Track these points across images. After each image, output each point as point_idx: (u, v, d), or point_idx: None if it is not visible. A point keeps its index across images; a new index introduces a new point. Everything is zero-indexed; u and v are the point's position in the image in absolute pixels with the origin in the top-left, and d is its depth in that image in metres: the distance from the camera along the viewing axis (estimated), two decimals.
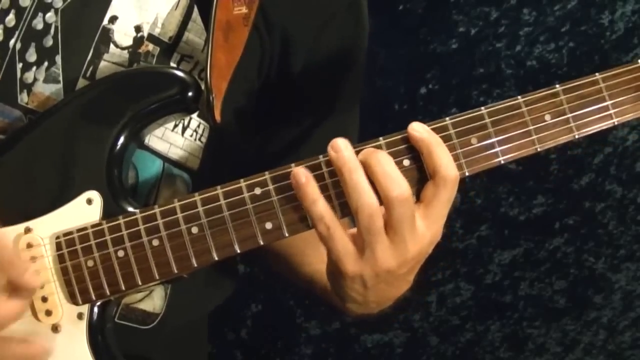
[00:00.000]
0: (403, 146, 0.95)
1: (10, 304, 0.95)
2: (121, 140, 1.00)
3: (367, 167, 0.92)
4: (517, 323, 2.18)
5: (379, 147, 0.95)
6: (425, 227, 0.94)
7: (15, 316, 0.95)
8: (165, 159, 1.09)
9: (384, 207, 0.92)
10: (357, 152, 0.93)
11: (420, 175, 0.95)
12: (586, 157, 2.03)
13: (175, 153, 1.10)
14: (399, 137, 0.95)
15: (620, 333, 2.22)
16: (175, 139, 1.09)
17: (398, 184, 0.91)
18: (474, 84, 1.96)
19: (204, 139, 1.11)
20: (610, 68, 0.99)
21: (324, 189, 0.94)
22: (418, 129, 0.94)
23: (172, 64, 1.08)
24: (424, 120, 2.16)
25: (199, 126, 1.11)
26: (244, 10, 1.06)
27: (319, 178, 0.94)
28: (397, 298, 1.04)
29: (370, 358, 2.17)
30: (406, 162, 0.95)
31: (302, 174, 0.93)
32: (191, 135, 1.10)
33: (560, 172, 2.04)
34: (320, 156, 0.95)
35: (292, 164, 0.95)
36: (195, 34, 1.09)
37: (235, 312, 2.10)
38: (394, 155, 0.94)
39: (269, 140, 1.20)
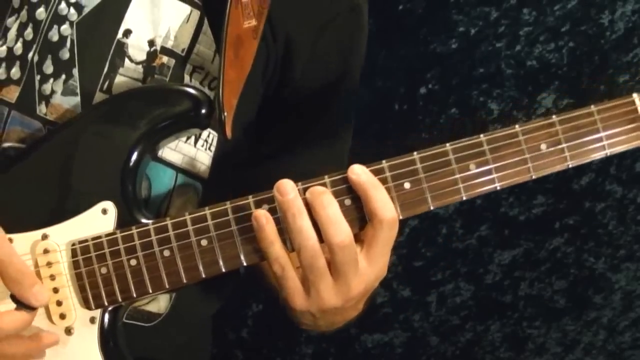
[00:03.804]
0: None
1: (16, 315, 0.97)
2: (136, 153, 1.04)
3: (312, 208, 0.96)
4: (517, 323, 2.18)
5: (323, 185, 0.98)
6: (368, 267, 0.98)
7: (21, 326, 0.98)
8: (178, 169, 1.12)
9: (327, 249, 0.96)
10: (305, 190, 0.97)
11: (362, 214, 0.98)
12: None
13: (188, 163, 1.13)
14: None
15: (620, 333, 2.22)
16: (188, 150, 1.12)
17: (340, 231, 0.95)
18: (474, 84, 1.96)
19: (213, 148, 1.14)
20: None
21: (276, 222, 0.98)
22: (357, 172, 0.97)
23: (186, 76, 1.11)
24: (423, 121, 2.17)
25: (208, 136, 1.14)
26: (254, 23, 1.08)
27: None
28: (349, 321, 1.09)
29: (370, 358, 2.17)
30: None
31: (263, 216, 0.97)
32: (202, 145, 1.13)
33: (560, 172, 2.04)
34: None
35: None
36: (205, 46, 1.12)
37: (236, 311, 2.11)
38: (337, 194, 0.98)
39: (267, 142, 1.22)
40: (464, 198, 0.99)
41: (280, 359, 2.17)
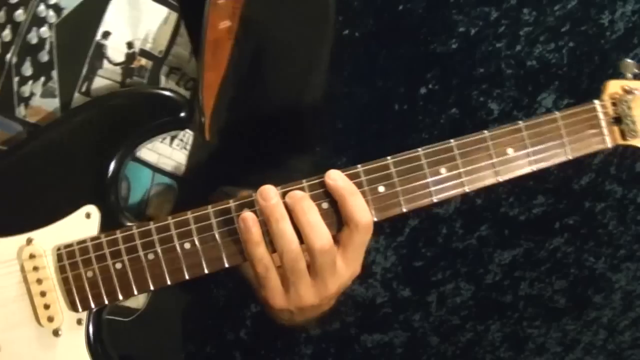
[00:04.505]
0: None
1: None
2: (117, 157, 1.06)
3: (293, 213, 1.00)
4: (517, 323, 2.18)
5: (302, 189, 1.01)
6: (345, 267, 1.03)
7: None
8: (155, 169, 1.14)
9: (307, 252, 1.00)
10: (284, 194, 1.01)
11: (339, 217, 1.02)
12: (586, 157, 2.03)
13: (164, 163, 1.14)
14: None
15: (620, 333, 2.22)
16: (164, 149, 1.14)
17: (321, 236, 0.99)
18: (474, 84, 1.96)
19: (188, 147, 1.16)
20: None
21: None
22: (333, 177, 1.01)
23: (162, 77, 1.12)
24: (423, 121, 2.17)
25: (184, 135, 1.15)
26: (228, 23, 1.11)
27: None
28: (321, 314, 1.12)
29: (370, 358, 2.17)
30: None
31: (250, 218, 1.00)
32: (178, 145, 1.15)
33: (560, 172, 2.04)
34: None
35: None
36: (182, 48, 1.13)
37: (234, 312, 2.10)
38: (315, 197, 1.01)
39: (240, 133, 1.24)
40: (435, 201, 1.03)
41: (279, 359, 2.17)
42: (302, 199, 1.00)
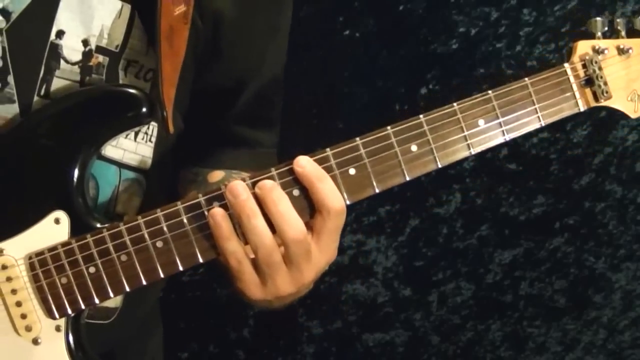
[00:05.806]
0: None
1: None
2: (81, 159, 1.04)
3: (264, 205, 0.98)
4: (518, 322, 2.19)
5: (271, 178, 0.99)
6: (320, 254, 1.01)
7: None
8: (120, 165, 1.13)
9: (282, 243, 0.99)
10: (254, 184, 0.99)
11: (311, 203, 1.00)
12: (586, 157, 2.03)
13: (129, 158, 1.13)
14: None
15: (620, 332, 2.22)
16: (128, 145, 1.13)
17: (294, 227, 0.97)
18: (474, 84, 1.96)
19: (153, 139, 1.15)
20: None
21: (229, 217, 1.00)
22: (302, 164, 0.99)
23: (120, 72, 1.11)
24: None
25: (148, 128, 1.14)
26: (184, 8, 1.09)
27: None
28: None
29: (371, 357, 2.18)
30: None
31: (219, 214, 0.98)
32: (142, 139, 1.14)
33: (560, 172, 2.04)
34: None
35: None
36: (138, 40, 1.11)
37: (237, 311, 2.11)
38: (285, 185, 0.99)
39: (203, 115, 1.23)
40: (408, 179, 1.01)
41: (282, 358, 2.18)
42: (272, 190, 0.98)
